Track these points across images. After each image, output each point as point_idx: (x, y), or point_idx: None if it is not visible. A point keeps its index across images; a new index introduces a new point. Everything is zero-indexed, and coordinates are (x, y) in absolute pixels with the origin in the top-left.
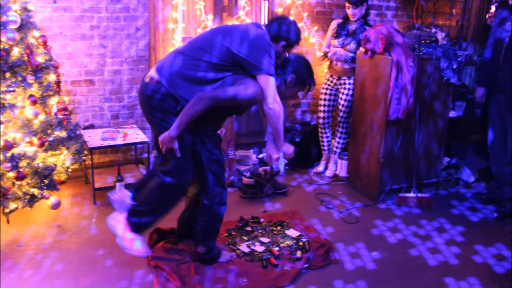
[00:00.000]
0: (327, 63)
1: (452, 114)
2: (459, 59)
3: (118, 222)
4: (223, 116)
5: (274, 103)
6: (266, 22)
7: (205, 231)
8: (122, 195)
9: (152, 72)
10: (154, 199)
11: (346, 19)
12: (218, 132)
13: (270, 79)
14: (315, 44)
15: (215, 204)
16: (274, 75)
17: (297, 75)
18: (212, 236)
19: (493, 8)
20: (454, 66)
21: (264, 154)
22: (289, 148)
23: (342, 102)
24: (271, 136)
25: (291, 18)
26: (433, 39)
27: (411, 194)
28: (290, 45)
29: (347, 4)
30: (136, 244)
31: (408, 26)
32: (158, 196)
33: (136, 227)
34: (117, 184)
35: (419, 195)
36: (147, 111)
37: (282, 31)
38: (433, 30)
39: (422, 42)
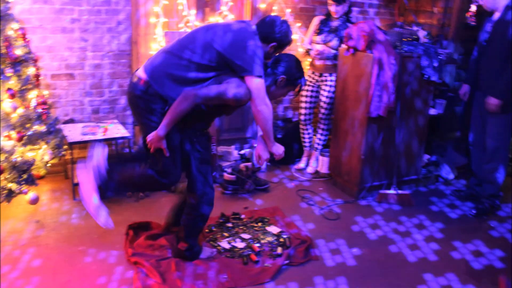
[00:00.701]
0: (309, 59)
1: (432, 112)
2: (440, 57)
3: (87, 180)
4: (211, 115)
5: (262, 105)
6: (252, 19)
7: (188, 228)
8: (100, 151)
9: (140, 72)
10: (137, 184)
11: (328, 16)
12: (206, 132)
13: (259, 81)
14: (298, 40)
15: (202, 204)
16: (263, 76)
17: (288, 75)
18: (194, 234)
19: (473, 7)
20: (435, 64)
21: (246, 150)
22: (279, 149)
23: (323, 99)
24: (261, 137)
25: (284, 18)
26: (415, 37)
27: (392, 191)
28: (281, 46)
29: (329, 1)
30: (101, 214)
31: (390, 24)
32: (142, 183)
33: (108, 198)
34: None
35: (399, 192)
36: (135, 111)
37: (274, 32)
38: (415, 28)
39: (404, 40)
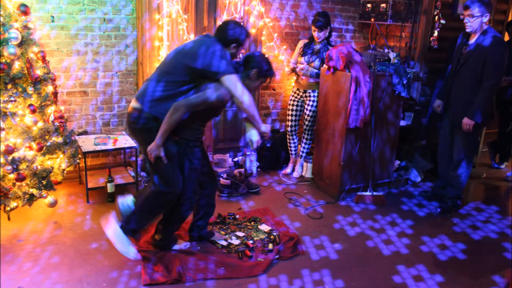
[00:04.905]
0: (295, 77)
1: (402, 123)
2: (408, 75)
3: (114, 227)
4: (201, 123)
5: (242, 96)
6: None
7: (167, 224)
8: (127, 198)
9: (133, 103)
10: (148, 205)
11: (311, 40)
12: (199, 143)
13: (232, 77)
14: (284, 61)
15: (184, 206)
16: (234, 72)
17: (258, 69)
18: (170, 230)
19: (436, 33)
20: (404, 82)
21: (240, 158)
22: (267, 127)
23: (307, 112)
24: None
25: (232, 19)
26: (386, 58)
27: (367, 193)
28: (241, 44)
29: (313, 28)
30: (129, 248)
31: (364, 46)
32: (152, 202)
33: (133, 232)
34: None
35: (374, 193)
36: (135, 135)
37: (230, 35)
38: (386, 50)
39: (377, 60)
